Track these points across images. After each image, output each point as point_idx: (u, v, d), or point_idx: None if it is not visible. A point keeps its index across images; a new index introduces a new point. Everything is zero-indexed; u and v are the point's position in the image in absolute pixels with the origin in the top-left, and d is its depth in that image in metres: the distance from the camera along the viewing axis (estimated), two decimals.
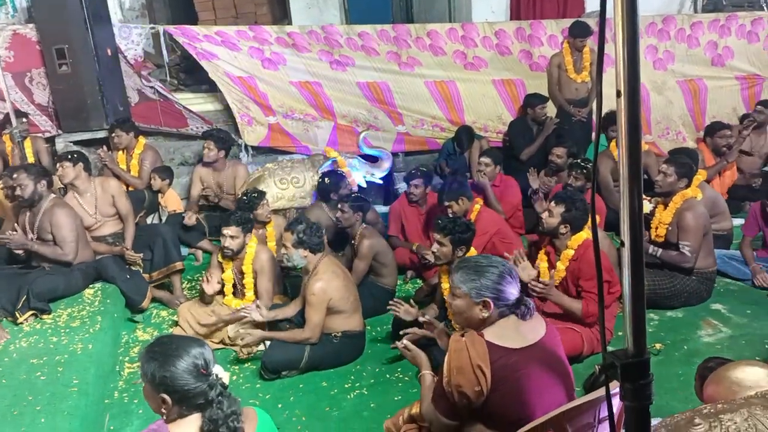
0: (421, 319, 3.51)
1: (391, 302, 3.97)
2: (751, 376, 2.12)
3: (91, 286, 4.76)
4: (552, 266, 4.06)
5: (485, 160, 5.68)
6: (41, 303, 4.36)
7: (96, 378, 3.78)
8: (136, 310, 4.84)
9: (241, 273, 4.50)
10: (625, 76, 1.19)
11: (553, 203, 4.00)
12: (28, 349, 4.01)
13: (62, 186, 6.12)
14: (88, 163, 5.22)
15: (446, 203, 4.89)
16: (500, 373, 2.29)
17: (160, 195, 6.06)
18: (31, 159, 6.04)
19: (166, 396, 1.87)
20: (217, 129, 6.35)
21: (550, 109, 7.01)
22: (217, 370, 1.94)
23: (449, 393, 2.36)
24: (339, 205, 4.85)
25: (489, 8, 8.67)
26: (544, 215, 4.02)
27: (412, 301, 4.41)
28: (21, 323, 4.28)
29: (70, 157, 5.01)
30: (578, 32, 6.65)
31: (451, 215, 4.86)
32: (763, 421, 1.69)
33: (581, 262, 3.89)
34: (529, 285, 3.82)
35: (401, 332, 3.40)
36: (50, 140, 6.49)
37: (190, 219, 5.62)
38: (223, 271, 4.54)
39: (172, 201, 6.07)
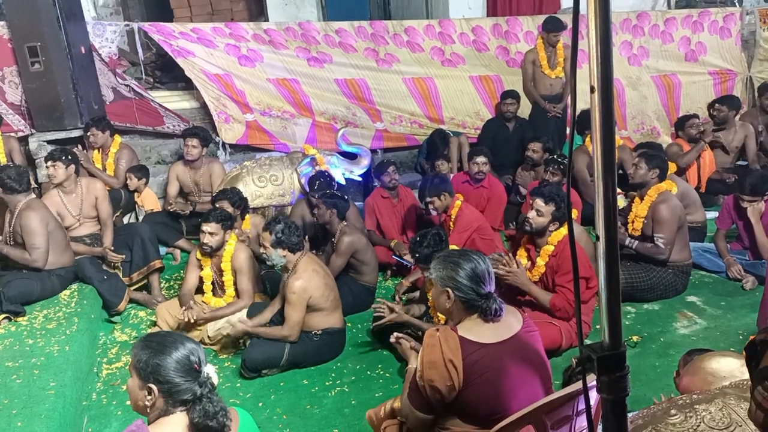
0: (392, 340, 3.26)
1: (375, 305, 3.99)
2: (726, 367, 2.15)
3: (68, 287, 4.70)
4: (532, 262, 4.08)
5: (481, 159, 5.67)
6: (14, 306, 4.29)
7: (73, 380, 3.73)
8: (113, 311, 4.78)
9: (220, 271, 4.48)
10: (598, 73, 1.20)
11: (541, 202, 3.93)
12: (3, 351, 3.95)
13: (37, 185, 6.06)
14: (79, 164, 5.17)
15: (428, 199, 4.91)
16: (473, 368, 2.32)
17: (136, 194, 6.00)
18: (3, 159, 5.94)
19: (153, 386, 1.86)
20: (198, 127, 6.30)
21: (526, 106, 7.07)
22: (209, 369, 1.94)
23: (422, 388, 2.38)
24: (315, 202, 4.86)
25: (466, 4, 8.71)
26: (531, 215, 3.96)
27: (397, 297, 4.40)
28: None
29: (64, 158, 4.93)
30: (551, 27, 6.70)
31: (432, 211, 4.90)
32: (737, 411, 1.72)
33: (560, 258, 3.90)
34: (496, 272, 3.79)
35: (395, 334, 3.27)
36: (23, 140, 6.38)
37: (177, 206, 5.68)
38: (201, 269, 4.50)
39: (149, 200, 6.01)
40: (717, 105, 6.71)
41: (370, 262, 4.83)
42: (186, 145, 5.84)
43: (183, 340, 1.94)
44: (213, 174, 5.92)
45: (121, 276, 4.94)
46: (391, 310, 3.91)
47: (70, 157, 4.98)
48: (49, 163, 4.91)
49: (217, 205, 4.89)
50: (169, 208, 5.75)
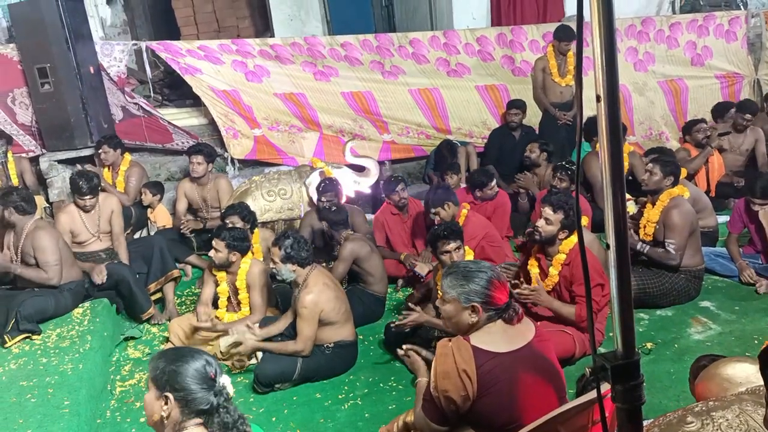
0: (399, 352, 3.25)
1: (399, 317, 4.04)
2: (741, 373, 2.14)
3: (80, 305, 4.72)
4: (544, 272, 4.06)
5: (492, 183, 5.66)
6: (30, 324, 4.31)
7: (87, 398, 3.74)
8: (137, 317, 4.87)
9: (236, 288, 4.49)
10: (603, 81, 1.20)
11: (549, 210, 3.91)
12: (18, 371, 3.97)
13: (48, 204, 6.12)
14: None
15: (433, 210, 4.91)
16: (486, 378, 2.30)
17: (149, 210, 6.03)
18: (15, 180, 6.00)
19: (170, 394, 1.87)
20: (202, 143, 6.34)
21: (535, 114, 7.06)
22: (225, 380, 1.97)
23: (436, 398, 2.36)
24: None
25: (470, 15, 8.74)
26: (540, 223, 3.94)
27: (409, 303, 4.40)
28: (10, 347, 4.23)
29: (100, 188, 5.08)
30: (563, 36, 6.69)
31: (438, 222, 4.89)
32: (755, 417, 1.70)
33: (573, 267, 3.87)
34: (515, 292, 3.81)
35: (404, 346, 3.28)
36: (34, 160, 6.44)
37: (187, 227, 5.72)
38: (217, 285, 4.52)
39: (162, 216, 6.04)
40: (747, 115, 6.65)
41: (375, 272, 4.82)
42: (191, 162, 5.86)
43: (198, 352, 2.00)
44: (220, 190, 5.95)
45: None
46: (412, 309, 3.94)
47: (98, 188, 5.09)
48: (87, 197, 4.96)
49: (228, 221, 4.90)
50: (182, 228, 5.77)
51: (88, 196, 4.96)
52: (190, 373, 1.89)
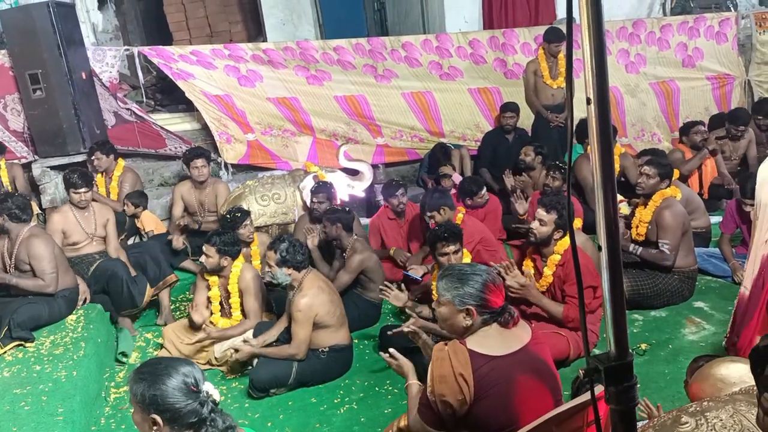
0: (405, 329, 3.46)
1: (382, 286, 4.02)
2: (735, 373, 2.15)
3: (74, 311, 4.69)
4: (539, 272, 4.07)
5: (482, 191, 5.67)
6: (24, 332, 4.29)
7: (82, 405, 3.73)
8: (129, 311, 4.93)
9: (227, 293, 4.49)
10: (594, 84, 1.21)
11: (542, 211, 3.93)
12: (11, 378, 3.95)
13: (41, 211, 6.09)
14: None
15: (428, 214, 4.91)
16: (483, 381, 2.30)
17: (136, 219, 5.97)
18: (9, 187, 5.97)
19: (157, 416, 1.85)
20: (200, 147, 6.33)
21: (528, 116, 7.08)
22: (207, 387, 1.93)
23: (433, 402, 2.36)
24: (323, 220, 4.94)
25: (462, 18, 8.75)
26: (534, 224, 3.96)
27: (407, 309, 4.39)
28: (3, 354, 4.20)
29: (90, 182, 5.12)
30: (553, 37, 6.72)
31: (432, 225, 4.90)
32: (748, 417, 1.71)
33: (568, 268, 3.89)
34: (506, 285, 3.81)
35: (389, 332, 3.31)
36: (26, 166, 6.42)
37: (178, 242, 5.64)
38: (209, 290, 4.51)
39: (149, 222, 5.99)
40: (741, 126, 6.65)
41: (378, 280, 4.82)
42: (195, 167, 5.80)
43: (175, 364, 1.93)
44: (218, 194, 5.94)
45: None
46: (404, 305, 3.95)
47: (92, 181, 5.17)
48: (83, 190, 4.99)
49: (245, 223, 4.94)
50: (179, 222, 5.78)
51: (83, 189, 4.98)
52: (170, 392, 1.85)
